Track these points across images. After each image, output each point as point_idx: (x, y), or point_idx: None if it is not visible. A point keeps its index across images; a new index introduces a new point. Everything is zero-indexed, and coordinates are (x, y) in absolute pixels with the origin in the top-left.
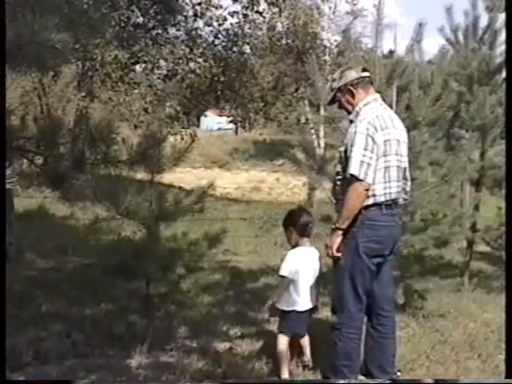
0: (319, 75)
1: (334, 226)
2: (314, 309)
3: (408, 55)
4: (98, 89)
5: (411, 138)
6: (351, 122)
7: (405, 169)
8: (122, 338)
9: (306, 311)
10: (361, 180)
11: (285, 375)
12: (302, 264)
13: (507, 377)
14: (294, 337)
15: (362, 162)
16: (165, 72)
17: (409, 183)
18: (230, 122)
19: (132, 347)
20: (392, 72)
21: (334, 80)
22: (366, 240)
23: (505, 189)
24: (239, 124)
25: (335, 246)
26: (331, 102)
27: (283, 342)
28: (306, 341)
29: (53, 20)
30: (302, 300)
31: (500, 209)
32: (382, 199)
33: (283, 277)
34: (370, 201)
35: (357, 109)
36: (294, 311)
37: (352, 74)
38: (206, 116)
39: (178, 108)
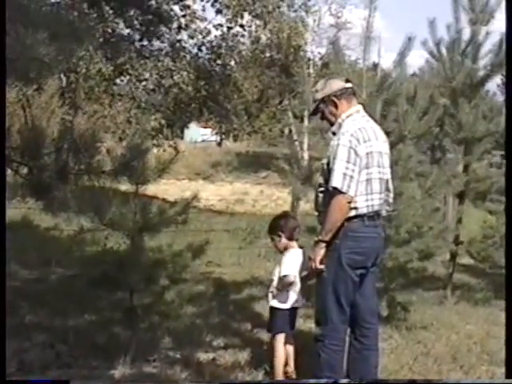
0: (306, 86)
1: (317, 239)
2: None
3: (395, 69)
4: (83, 101)
5: (398, 152)
6: (334, 133)
7: (387, 180)
8: (105, 349)
9: (295, 308)
10: (343, 193)
11: (280, 377)
12: (298, 264)
13: (507, 377)
14: (286, 336)
15: (345, 174)
16: (149, 84)
17: (391, 195)
18: (218, 133)
19: (115, 358)
20: (379, 85)
21: (317, 91)
22: (348, 251)
23: (505, 193)
24: (223, 136)
25: (318, 259)
26: (314, 113)
27: (281, 342)
28: (290, 351)
29: (41, 34)
30: (299, 297)
31: (486, 222)
32: (365, 211)
33: (285, 276)
34: (352, 213)
35: (339, 121)
36: (292, 308)
37: (335, 85)
38: (188, 128)
39: (163, 121)
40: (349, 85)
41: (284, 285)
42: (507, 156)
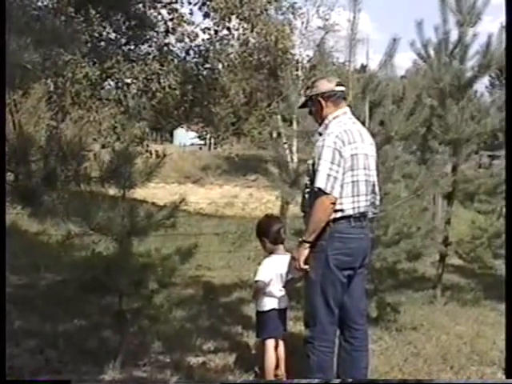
0: (293, 89)
1: (301, 239)
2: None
3: (382, 70)
4: (69, 106)
5: (384, 153)
6: (320, 134)
7: (373, 183)
8: (95, 354)
9: (283, 310)
10: (327, 193)
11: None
12: (276, 270)
13: (507, 377)
14: (276, 340)
15: (329, 175)
16: (136, 88)
17: (378, 197)
18: (203, 138)
19: (105, 363)
20: (365, 86)
21: (307, 88)
22: (335, 253)
23: (505, 193)
24: (212, 139)
25: (302, 259)
26: (302, 107)
27: (271, 346)
28: (281, 353)
29: (24, 39)
30: (277, 300)
31: (474, 222)
32: (351, 213)
33: (257, 281)
34: (339, 214)
35: (326, 121)
36: (273, 310)
37: (324, 87)
38: (176, 131)
39: (149, 127)
40: (339, 88)
41: (255, 290)
42: (507, 156)
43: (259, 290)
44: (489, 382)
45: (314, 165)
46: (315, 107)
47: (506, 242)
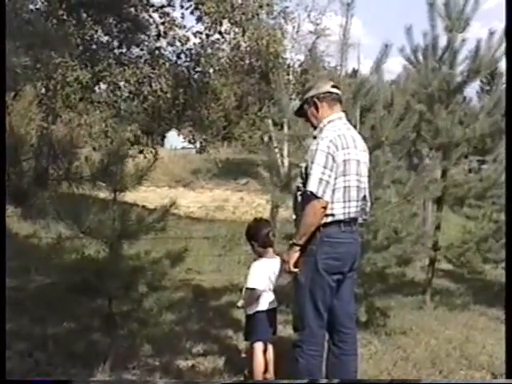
0: (284, 93)
1: (291, 242)
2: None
3: (373, 75)
4: (60, 109)
5: (375, 158)
6: (314, 137)
7: (365, 189)
8: (84, 357)
9: (271, 312)
10: (319, 197)
11: None
12: (265, 273)
13: (507, 377)
14: (265, 343)
15: (321, 179)
16: (128, 92)
17: (369, 204)
18: (193, 142)
19: (94, 365)
20: (357, 92)
21: (304, 92)
22: (325, 257)
23: (505, 193)
24: (203, 143)
25: (292, 262)
26: (298, 113)
27: (260, 350)
28: (270, 357)
29: (15, 43)
30: (266, 303)
31: (464, 227)
32: (341, 218)
33: (252, 289)
34: (329, 219)
35: (321, 125)
36: (261, 312)
37: (320, 88)
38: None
39: (140, 130)
40: (334, 90)
41: (250, 297)
42: (507, 156)
43: (253, 298)
44: (489, 382)
45: (306, 168)
46: (311, 109)
47: (506, 243)
